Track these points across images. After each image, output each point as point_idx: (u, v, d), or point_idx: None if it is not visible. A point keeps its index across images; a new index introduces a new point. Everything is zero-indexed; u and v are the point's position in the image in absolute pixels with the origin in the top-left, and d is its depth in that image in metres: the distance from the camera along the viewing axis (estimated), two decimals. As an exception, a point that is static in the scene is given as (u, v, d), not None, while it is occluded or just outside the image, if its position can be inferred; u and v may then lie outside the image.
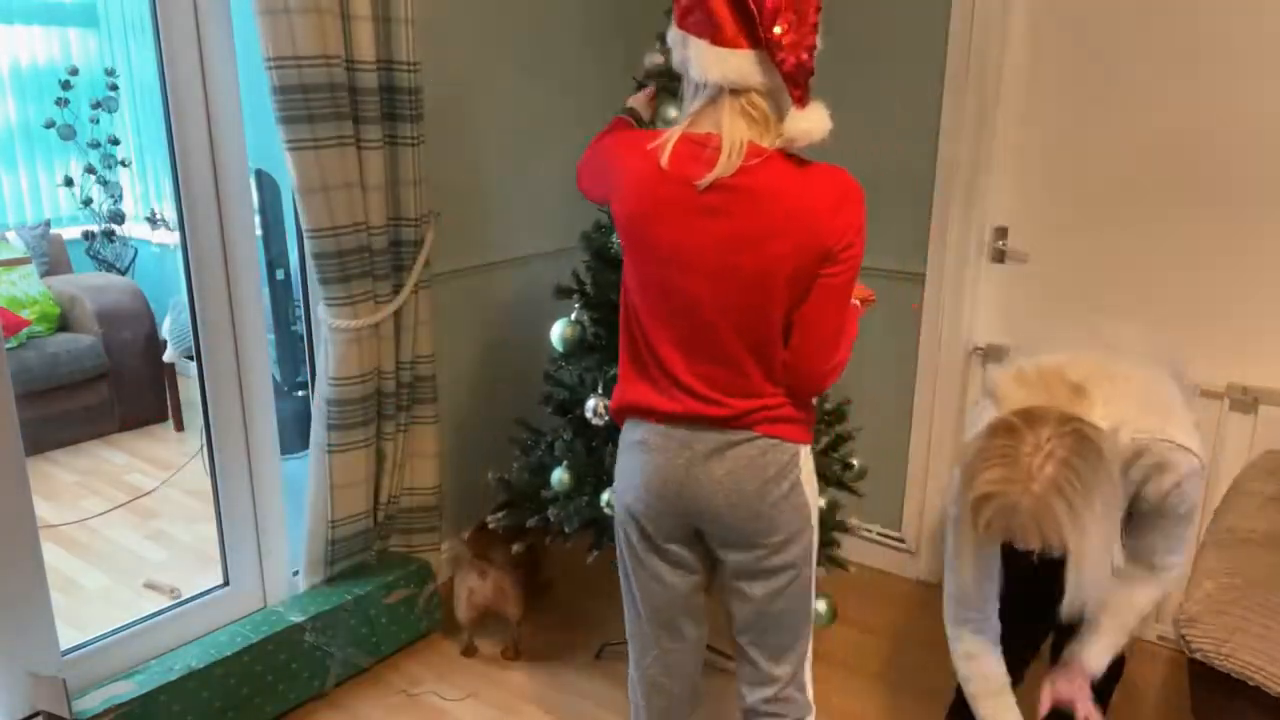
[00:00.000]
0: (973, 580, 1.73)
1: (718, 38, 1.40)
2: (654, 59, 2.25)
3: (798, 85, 1.40)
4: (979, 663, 1.77)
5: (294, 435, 2.63)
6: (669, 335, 1.53)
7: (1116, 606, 1.77)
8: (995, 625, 1.77)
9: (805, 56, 1.40)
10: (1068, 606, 1.50)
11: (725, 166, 1.42)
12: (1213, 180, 2.45)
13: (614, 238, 2.28)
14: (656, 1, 2.21)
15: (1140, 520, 1.73)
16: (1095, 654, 1.79)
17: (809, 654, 1.69)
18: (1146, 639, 2.71)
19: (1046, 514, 1.42)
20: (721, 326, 1.49)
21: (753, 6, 1.36)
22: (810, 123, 1.42)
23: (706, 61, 1.42)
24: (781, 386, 1.53)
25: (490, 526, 2.53)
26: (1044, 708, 1.80)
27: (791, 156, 1.45)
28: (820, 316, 1.49)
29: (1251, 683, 1.59)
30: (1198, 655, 1.65)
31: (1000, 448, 1.46)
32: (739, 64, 1.40)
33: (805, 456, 1.59)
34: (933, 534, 3.03)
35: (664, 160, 1.45)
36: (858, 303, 1.66)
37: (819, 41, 1.41)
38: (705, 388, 1.52)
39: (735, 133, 1.42)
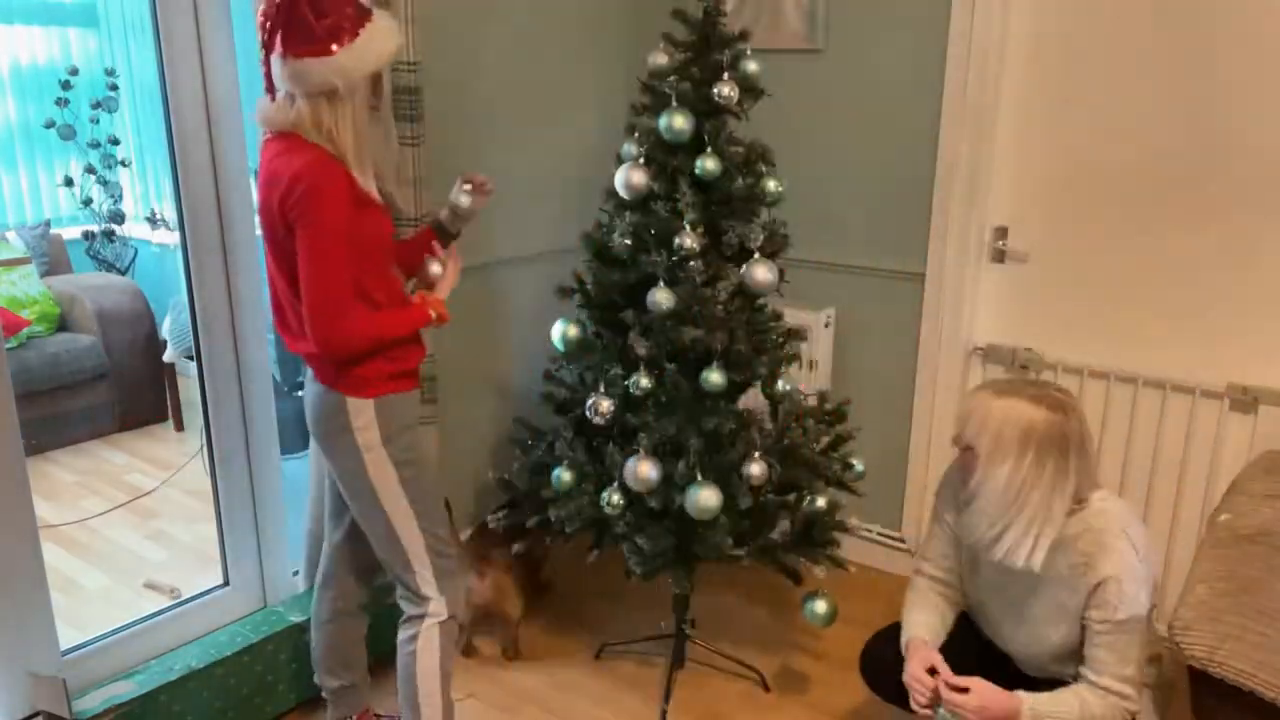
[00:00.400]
0: (940, 551, 2.05)
1: None
2: (658, 59, 2.26)
3: (266, 79, 1.73)
4: (919, 590, 2.08)
5: (294, 435, 2.63)
6: (272, 286, 1.89)
7: (1078, 690, 1.80)
8: (950, 595, 2.07)
9: (263, 56, 1.71)
10: (966, 531, 1.80)
11: (258, 142, 1.82)
12: (1213, 180, 2.45)
13: (615, 237, 2.28)
14: (659, 2, 2.21)
15: (1089, 633, 1.78)
16: (1041, 699, 1.80)
17: (417, 565, 1.96)
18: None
19: (988, 419, 1.73)
20: (277, 279, 1.84)
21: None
22: (260, 109, 1.76)
23: None
24: None
25: (490, 526, 2.53)
26: (955, 678, 1.84)
27: (293, 139, 1.72)
28: (303, 282, 1.71)
29: (1245, 688, 1.59)
30: (1191, 662, 1.66)
31: (1021, 380, 1.84)
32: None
33: (358, 408, 1.83)
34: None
35: None
36: (433, 314, 1.89)
37: (274, 47, 1.67)
38: (291, 333, 1.88)
39: (258, 116, 1.77)
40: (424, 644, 1.97)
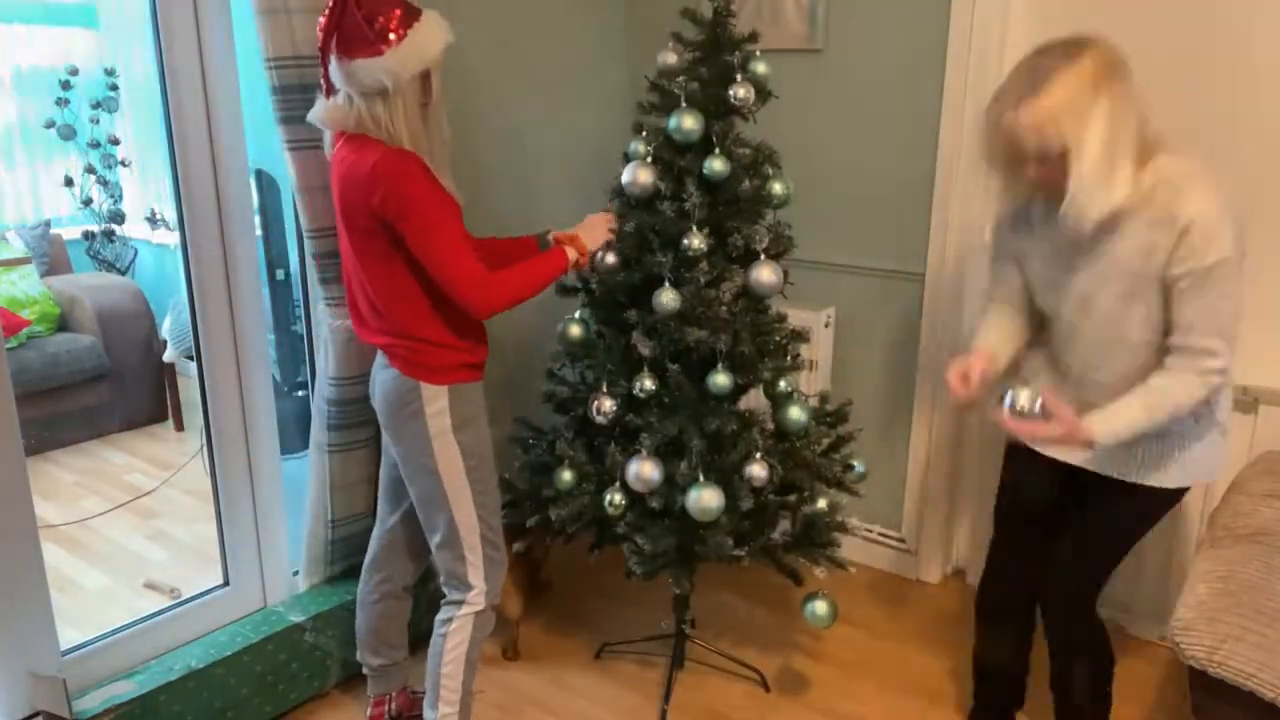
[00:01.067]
0: (1007, 285, 2.01)
1: None
2: (667, 58, 2.26)
3: (322, 79, 1.82)
4: (989, 312, 2.05)
5: (294, 435, 2.63)
6: (347, 278, 1.99)
7: (1148, 387, 1.72)
8: (1017, 309, 2.02)
9: (320, 58, 1.79)
10: (1068, 207, 1.65)
11: (325, 144, 1.95)
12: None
13: (620, 233, 2.28)
14: (663, 1, 2.21)
15: (1174, 292, 1.70)
16: (1106, 416, 1.74)
17: (469, 553, 2.03)
18: (1147, 639, 2.71)
19: (1056, 110, 1.62)
20: (354, 272, 1.92)
21: None
22: (321, 110, 1.84)
23: None
24: (407, 331, 1.89)
25: None
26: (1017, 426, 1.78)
27: (362, 138, 1.81)
28: (429, 267, 1.82)
29: (1245, 688, 1.59)
30: (1191, 662, 1.66)
31: (1028, 64, 1.72)
32: None
33: (432, 394, 1.92)
34: (932, 534, 3.03)
35: None
36: (575, 256, 2.05)
37: (330, 50, 1.77)
38: (362, 324, 1.98)
39: (320, 116, 1.85)
40: (456, 629, 2.05)
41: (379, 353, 2.01)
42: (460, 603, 2.05)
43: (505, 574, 2.13)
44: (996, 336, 2.01)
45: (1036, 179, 1.73)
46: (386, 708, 2.34)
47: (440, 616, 2.08)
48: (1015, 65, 1.73)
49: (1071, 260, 1.83)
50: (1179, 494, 1.92)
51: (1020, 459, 2.06)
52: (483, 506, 2.02)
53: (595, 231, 2.13)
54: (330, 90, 1.82)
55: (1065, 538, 2.03)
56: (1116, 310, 1.78)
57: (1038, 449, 1.98)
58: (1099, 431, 1.74)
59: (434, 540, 2.05)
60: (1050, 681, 2.13)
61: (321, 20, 1.77)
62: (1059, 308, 1.90)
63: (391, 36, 1.74)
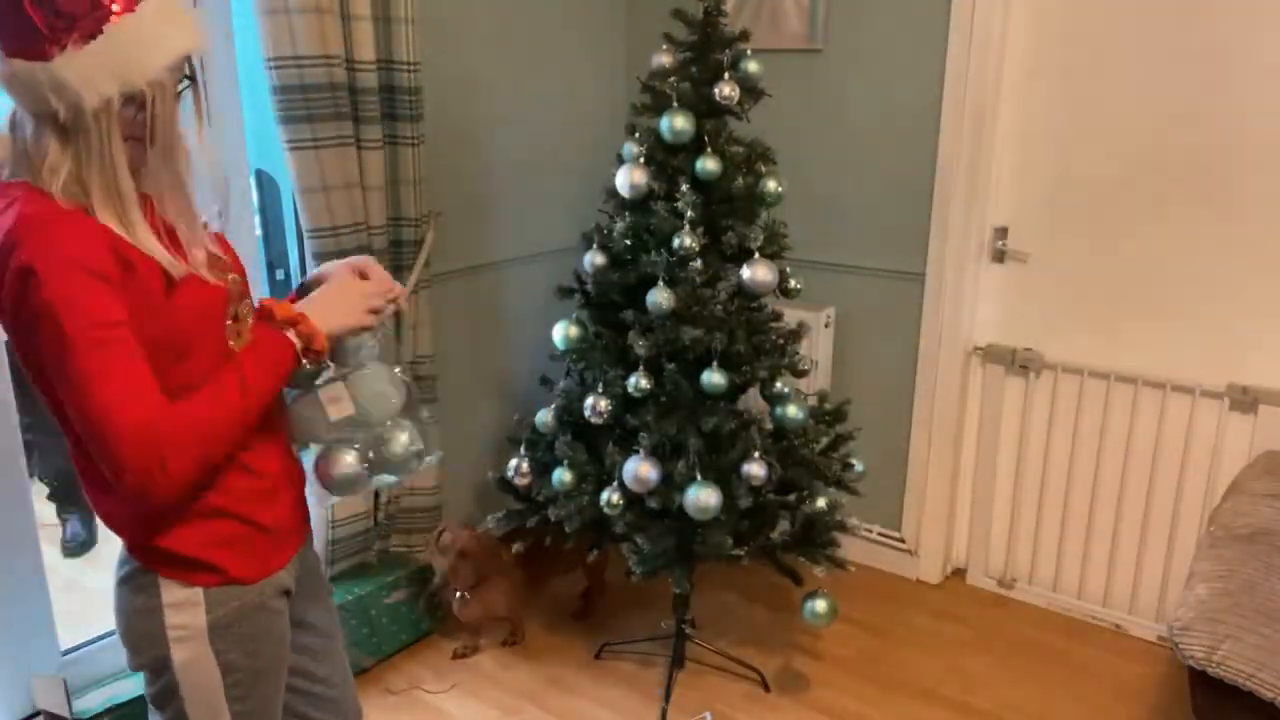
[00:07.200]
0: None
1: None
2: (660, 59, 2.26)
3: None
4: None
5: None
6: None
7: None
8: None
9: None
10: None
11: None
12: (1212, 180, 2.45)
13: (614, 236, 2.28)
14: (658, 1, 2.21)
15: None
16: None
17: None
18: (1147, 639, 2.71)
19: None
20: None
21: None
22: None
23: None
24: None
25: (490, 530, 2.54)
26: None
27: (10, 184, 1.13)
28: (72, 410, 1.10)
29: (1244, 688, 1.59)
30: (1190, 663, 1.66)
31: None
32: None
33: (174, 591, 1.26)
34: (932, 534, 3.03)
35: None
36: (302, 344, 1.26)
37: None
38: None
39: None
40: None
41: None
42: None
43: None
44: None
45: None
46: None
47: None
48: None
49: None
50: None
51: None
52: None
53: (338, 303, 1.34)
54: None
55: None
56: None
57: None
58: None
59: None
60: None
61: None
62: None
63: (73, 34, 1.05)
